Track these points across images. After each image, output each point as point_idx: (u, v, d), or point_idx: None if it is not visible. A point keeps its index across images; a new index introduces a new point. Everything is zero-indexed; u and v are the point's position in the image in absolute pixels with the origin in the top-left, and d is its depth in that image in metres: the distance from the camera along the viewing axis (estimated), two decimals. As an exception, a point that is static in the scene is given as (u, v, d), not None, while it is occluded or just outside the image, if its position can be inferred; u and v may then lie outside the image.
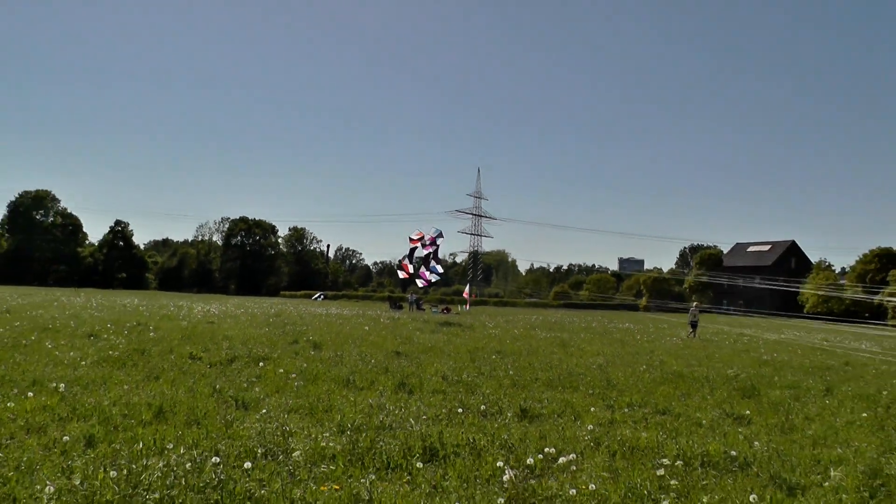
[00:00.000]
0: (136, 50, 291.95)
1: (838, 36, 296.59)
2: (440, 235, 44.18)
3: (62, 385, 11.64)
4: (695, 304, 44.94)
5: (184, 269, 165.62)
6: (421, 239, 43.50)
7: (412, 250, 43.86)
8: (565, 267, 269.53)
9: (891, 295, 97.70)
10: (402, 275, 42.24)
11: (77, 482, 6.79)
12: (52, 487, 6.55)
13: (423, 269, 42.07)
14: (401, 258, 45.00)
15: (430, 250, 43.38)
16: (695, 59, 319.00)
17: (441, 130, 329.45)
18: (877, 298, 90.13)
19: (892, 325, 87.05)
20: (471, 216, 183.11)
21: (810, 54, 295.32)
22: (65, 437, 8.37)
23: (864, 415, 13.12)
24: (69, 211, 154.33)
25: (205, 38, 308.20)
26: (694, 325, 40.37)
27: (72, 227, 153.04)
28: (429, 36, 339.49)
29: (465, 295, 79.24)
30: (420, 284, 40.46)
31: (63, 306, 39.38)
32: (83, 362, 14.82)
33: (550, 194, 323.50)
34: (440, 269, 40.94)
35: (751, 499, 7.35)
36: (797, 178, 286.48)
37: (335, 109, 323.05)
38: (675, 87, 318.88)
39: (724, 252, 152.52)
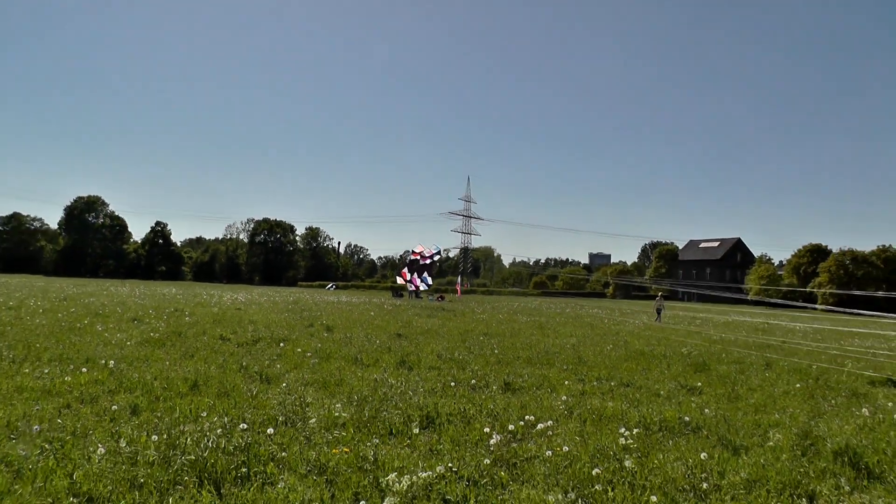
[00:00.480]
0: (175, 68, 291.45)
1: (777, 43, 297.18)
2: (438, 253, 44.66)
3: (111, 362, 11.64)
4: (660, 294, 45.12)
5: (215, 263, 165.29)
6: (421, 253, 44.01)
7: (412, 261, 44.17)
8: (543, 261, 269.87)
9: (820, 285, 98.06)
10: (399, 280, 42.50)
11: (123, 445, 6.80)
12: (102, 449, 6.56)
13: (416, 276, 42.29)
14: (403, 267, 45.29)
15: (427, 263, 43.78)
16: (657, 75, 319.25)
17: (437, 142, 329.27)
18: (792, 288, 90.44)
19: (823, 310, 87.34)
20: (461, 217, 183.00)
21: (755, 66, 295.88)
22: (113, 407, 8.37)
23: (798, 385, 13.18)
24: (116, 213, 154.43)
25: (237, 59, 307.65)
26: (659, 312, 40.38)
27: (118, 227, 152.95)
28: (433, 57, 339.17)
29: (456, 286, 79.35)
30: (410, 289, 40.66)
31: (111, 295, 39.31)
32: (129, 343, 14.81)
33: (531, 198, 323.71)
34: (430, 280, 41.23)
35: (701, 457, 7.39)
36: (744, 182, 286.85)
37: (347, 126, 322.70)
38: (641, 101, 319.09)
39: (680, 248, 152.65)
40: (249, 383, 10.51)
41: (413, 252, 44.42)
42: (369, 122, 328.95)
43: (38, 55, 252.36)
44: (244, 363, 12.38)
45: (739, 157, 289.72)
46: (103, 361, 11.73)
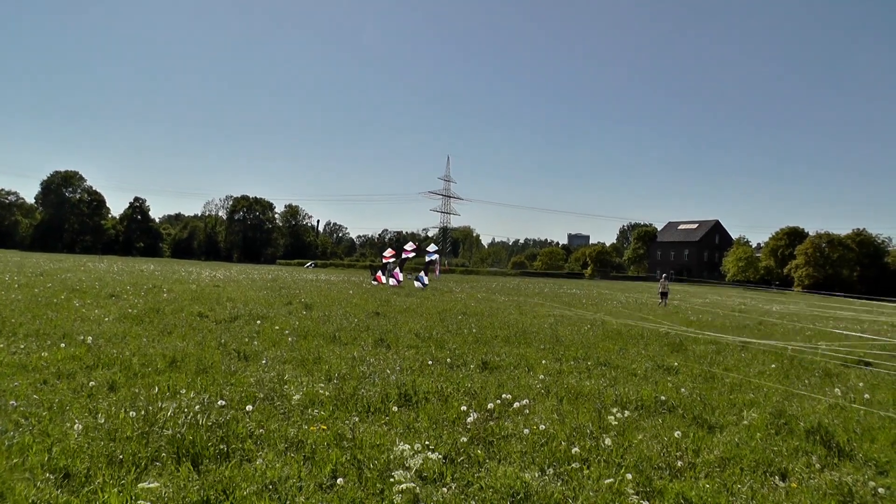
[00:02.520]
0: (152, 46, 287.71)
1: (757, 24, 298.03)
2: (415, 250, 44.97)
3: (89, 338, 11.56)
4: (664, 275, 42.32)
5: (193, 240, 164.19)
6: (393, 256, 44.28)
7: (384, 265, 44.30)
8: (522, 241, 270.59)
9: (796, 267, 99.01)
10: (374, 283, 42.48)
11: (101, 421, 6.78)
12: (80, 425, 6.54)
13: (397, 270, 42.33)
14: (374, 273, 45.34)
15: (408, 256, 43.93)
16: (636, 55, 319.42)
17: (417, 121, 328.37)
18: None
19: (797, 292, 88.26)
20: (441, 197, 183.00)
21: (734, 47, 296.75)
22: (91, 383, 8.33)
23: (773, 366, 13.35)
24: (94, 188, 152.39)
25: (214, 37, 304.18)
26: (664, 295, 38.22)
27: (96, 202, 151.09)
28: (412, 40, 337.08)
29: (435, 265, 79.36)
30: (391, 283, 40.65)
31: (89, 271, 38.96)
32: (106, 319, 14.71)
33: (511, 178, 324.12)
34: (426, 279, 41.22)
35: (676, 435, 7.49)
36: (722, 165, 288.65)
37: (327, 104, 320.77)
38: (619, 82, 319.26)
39: (659, 229, 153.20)
40: (228, 360, 10.50)
41: (384, 256, 44.80)
42: (349, 100, 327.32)
43: (13, 29, 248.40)
44: (222, 340, 12.35)
45: (719, 139, 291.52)
46: (81, 337, 11.65)
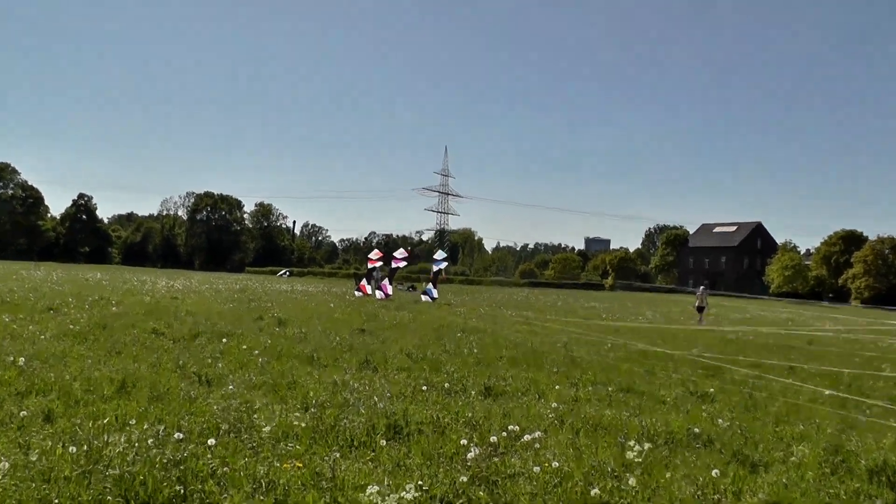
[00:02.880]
0: (98, 22, 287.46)
1: (806, 23, 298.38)
2: (406, 258, 44.92)
3: (21, 359, 11.44)
4: (702, 286, 40.09)
5: (148, 243, 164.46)
6: (381, 259, 44.21)
7: (370, 272, 44.21)
8: (531, 246, 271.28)
9: (854, 276, 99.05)
10: (357, 294, 42.26)
11: (34, 458, 6.69)
12: (6, 463, 6.43)
13: (386, 280, 42.21)
14: (359, 282, 45.16)
15: (398, 264, 43.87)
16: (663, 41, 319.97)
17: (409, 107, 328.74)
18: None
19: (855, 306, 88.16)
20: (437, 194, 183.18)
21: (779, 40, 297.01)
22: (22, 413, 8.23)
23: (827, 393, 13.29)
24: (30, 183, 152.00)
25: (170, 10, 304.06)
26: (701, 310, 36.68)
27: (32, 199, 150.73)
28: (398, 13, 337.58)
29: (432, 274, 79.28)
30: (379, 296, 40.49)
31: (22, 280, 38.89)
32: (43, 336, 14.62)
33: (518, 173, 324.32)
34: (435, 293, 41.20)
35: (713, 474, 7.42)
36: (764, 159, 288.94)
37: (304, 87, 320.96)
38: (645, 68, 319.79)
39: (691, 232, 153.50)
40: (187, 385, 10.43)
41: (370, 259, 44.69)
42: (330, 82, 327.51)
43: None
44: (181, 362, 12.28)
45: (760, 129, 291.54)
46: (10, 358, 11.55)
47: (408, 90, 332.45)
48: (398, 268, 44.90)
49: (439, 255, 44.66)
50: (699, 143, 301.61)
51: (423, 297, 40.73)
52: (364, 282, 43.33)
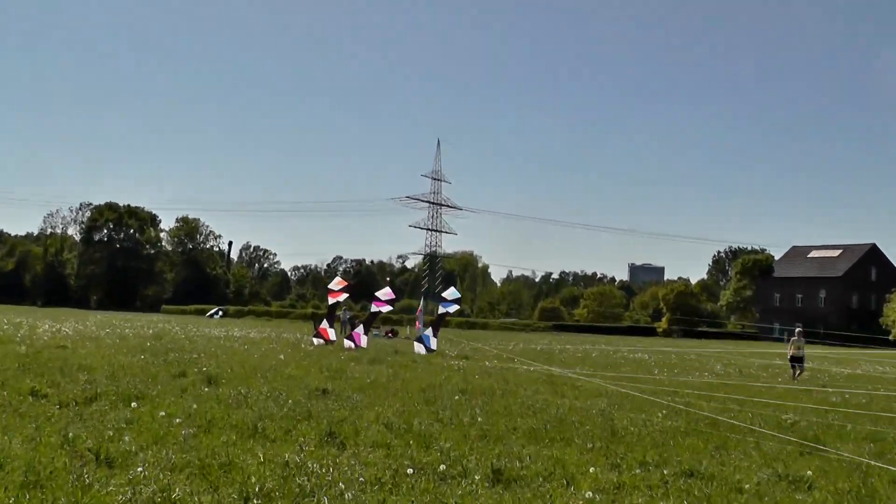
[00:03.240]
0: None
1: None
2: (394, 300, 44.81)
3: None
4: (797, 329, 38.99)
5: (25, 273, 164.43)
6: (347, 290, 43.90)
7: (332, 308, 44.05)
8: (556, 276, 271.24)
9: None
10: (317, 341, 41.87)
11: None
12: None
13: (360, 329, 42.03)
14: (319, 323, 45.09)
15: (381, 308, 43.66)
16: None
17: (389, 90, 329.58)
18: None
19: None
20: (427, 205, 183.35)
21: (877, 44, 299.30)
22: None
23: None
24: None
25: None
26: (798, 361, 36.35)
27: None
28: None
29: (418, 313, 78.90)
30: (347, 346, 40.23)
31: None
32: None
33: (536, 179, 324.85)
34: (434, 342, 41.04)
35: None
36: (878, 162, 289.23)
37: (241, 67, 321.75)
38: (709, 41, 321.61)
39: (776, 258, 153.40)
40: (79, 467, 10.38)
41: (331, 292, 44.26)
42: (278, 61, 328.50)
43: None
44: (70, 434, 12.23)
45: (868, 121, 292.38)
46: None
47: (386, 71, 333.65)
48: (379, 312, 44.77)
49: (451, 293, 44.47)
50: (786, 139, 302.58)
51: (417, 348, 40.51)
52: (325, 324, 43.05)
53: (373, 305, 43.77)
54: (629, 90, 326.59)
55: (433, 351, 40.03)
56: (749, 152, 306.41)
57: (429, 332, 41.48)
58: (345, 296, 43.30)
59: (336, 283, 43.95)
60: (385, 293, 43.60)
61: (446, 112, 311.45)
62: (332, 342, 41.29)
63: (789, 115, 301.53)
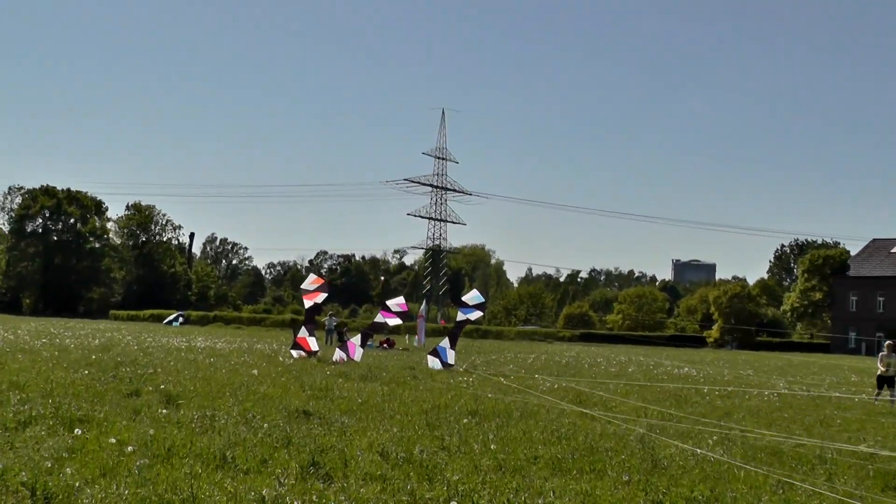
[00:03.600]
0: None
1: None
2: (403, 312, 44.39)
3: None
4: (889, 343, 37.48)
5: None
6: (321, 287, 43.33)
7: (310, 312, 43.71)
8: (584, 274, 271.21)
9: None
10: (296, 353, 41.48)
11: None
12: None
13: (356, 340, 41.93)
14: (298, 332, 44.64)
15: (389, 320, 43.35)
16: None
17: (381, 51, 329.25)
18: None
19: None
20: (429, 189, 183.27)
21: None
22: None
23: None
24: None
25: None
26: (890, 383, 35.17)
27: None
28: None
29: (418, 319, 78.76)
30: (337, 358, 40.01)
31: None
32: None
33: (560, 158, 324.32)
34: (452, 355, 40.69)
35: None
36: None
37: (203, 21, 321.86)
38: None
39: (853, 253, 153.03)
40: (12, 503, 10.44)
41: (305, 293, 43.65)
42: (247, 14, 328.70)
43: None
44: (1, 465, 12.29)
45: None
46: None
47: (378, 21, 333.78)
48: (384, 325, 44.50)
49: (473, 297, 43.95)
50: (862, 113, 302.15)
51: (431, 362, 40.36)
52: (304, 332, 42.74)
53: (380, 315, 43.45)
54: (677, 53, 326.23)
55: (451, 366, 39.92)
56: (818, 128, 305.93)
57: (445, 343, 41.03)
58: (323, 296, 42.81)
59: (310, 283, 43.44)
60: (397, 303, 43.37)
61: (453, 77, 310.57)
62: (314, 354, 41.19)
63: (866, 85, 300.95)
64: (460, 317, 43.84)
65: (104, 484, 11.73)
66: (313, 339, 42.26)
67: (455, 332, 43.24)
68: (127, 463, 13.09)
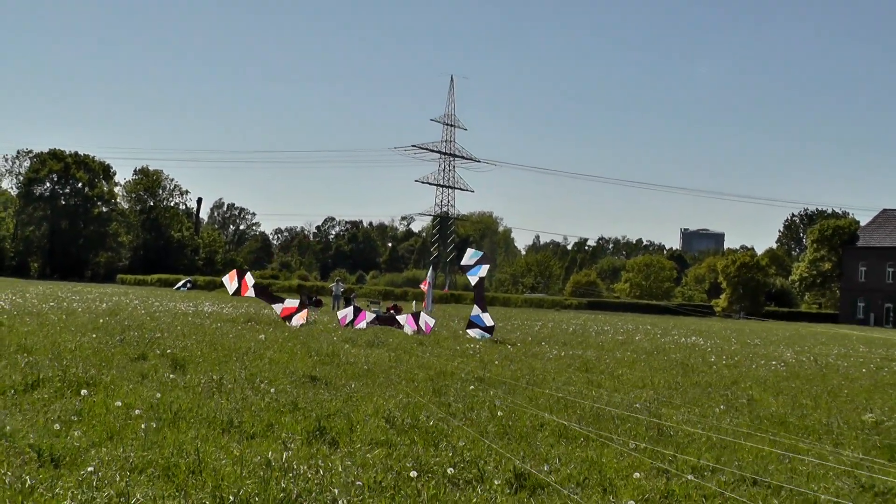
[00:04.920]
0: None
1: None
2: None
3: None
4: None
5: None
6: (240, 276, 42.78)
7: (308, 297, 43.76)
8: (591, 242, 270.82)
9: None
10: (297, 322, 40.72)
11: None
12: None
13: (374, 309, 42.01)
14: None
15: (426, 287, 43.48)
16: None
17: (389, 15, 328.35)
18: None
19: None
20: (437, 156, 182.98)
21: None
22: None
23: None
24: None
25: None
26: None
27: None
28: None
29: (423, 286, 78.35)
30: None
31: None
32: None
33: (568, 125, 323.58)
34: (489, 319, 40.17)
35: None
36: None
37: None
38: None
39: (862, 224, 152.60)
40: (18, 466, 10.43)
41: (236, 293, 42.94)
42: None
43: None
44: (8, 428, 12.29)
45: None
46: None
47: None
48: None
49: (470, 255, 43.58)
50: (873, 82, 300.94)
51: (473, 333, 40.02)
52: (278, 307, 42.13)
53: (422, 285, 43.26)
54: (688, 20, 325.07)
55: (492, 327, 39.69)
56: (829, 97, 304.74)
57: (477, 311, 40.58)
58: (250, 288, 42.28)
59: (231, 284, 42.57)
60: (429, 276, 43.29)
61: (461, 42, 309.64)
62: (306, 324, 40.78)
63: (878, 54, 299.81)
64: (473, 279, 43.22)
65: (111, 447, 11.73)
66: (289, 300, 42.04)
67: (479, 295, 42.62)
68: (133, 426, 13.09)
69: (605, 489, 11.38)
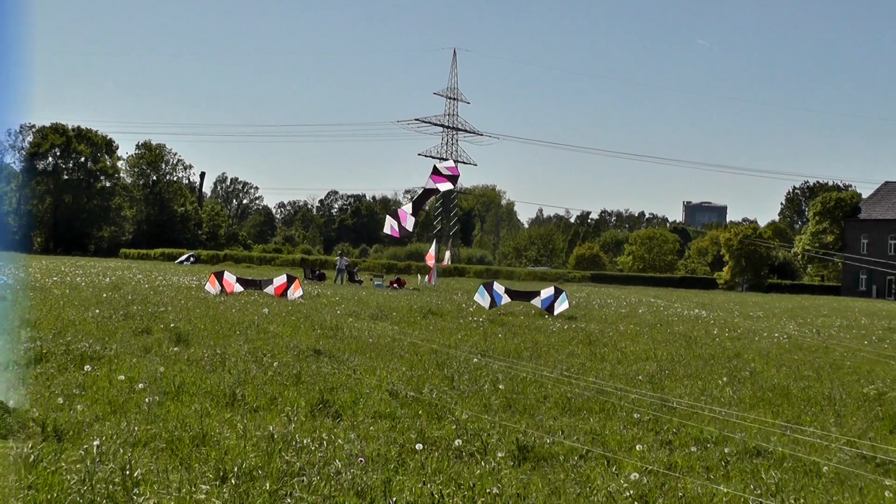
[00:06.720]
0: None
1: None
2: (455, 176, 43.14)
3: None
4: None
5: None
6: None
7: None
8: (594, 216, 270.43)
9: None
10: (296, 296, 40.09)
11: None
12: None
13: (406, 209, 41.30)
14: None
15: (440, 184, 42.28)
16: None
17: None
18: None
19: None
20: (440, 129, 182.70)
21: None
22: None
23: None
24: None
25: None
26: None
27: None
28: None
29: (428, 259, 78.41)
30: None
31: None
32: None
33: (571, 98, 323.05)
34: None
35: None
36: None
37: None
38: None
39: (864, 196, 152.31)
40: (22, 439, 10.43)
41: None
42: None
43: None
44: (11, 402, 12.29)
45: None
46: None
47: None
48: (435, 190, 42.89)
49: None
50: (874, 54, 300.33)
51: (480, 300, 39.46)
52: (278, 280, 41.68)
53: (430, 180, 42.08)
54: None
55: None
56: (831, 70, 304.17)
57: (499, 288, 39.57)
58: (236, 288, 41.79)
59: (211, 286, 42.08)
60: (447, 166, 42.23)
61: (464, 15, 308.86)
62: (297, 299, 40.28)
63: (880, 25, 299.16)
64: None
65: (114, 421, 11.74)
66: (276, 279, 41.69)
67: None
68: (137, 400, 13.10)
69: (609, 461, 11.36)
